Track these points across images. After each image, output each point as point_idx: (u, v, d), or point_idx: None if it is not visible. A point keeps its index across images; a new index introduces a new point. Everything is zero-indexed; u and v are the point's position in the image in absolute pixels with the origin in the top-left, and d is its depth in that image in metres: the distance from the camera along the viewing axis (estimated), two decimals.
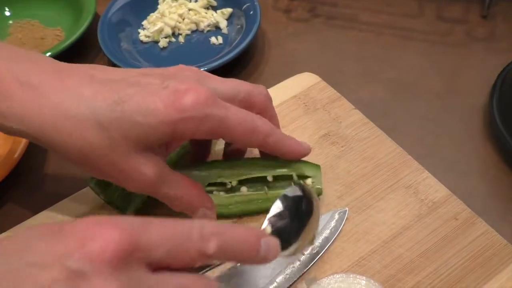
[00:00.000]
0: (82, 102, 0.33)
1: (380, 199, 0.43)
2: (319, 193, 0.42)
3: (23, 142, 0.47)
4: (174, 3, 0.62)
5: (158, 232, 0.27)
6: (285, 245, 0.33)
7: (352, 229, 0.42)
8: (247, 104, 0.39)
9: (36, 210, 0.44)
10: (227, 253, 0.29)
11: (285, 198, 0.35)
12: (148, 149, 0.35)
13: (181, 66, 0.38)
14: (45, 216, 0.44)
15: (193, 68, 0.38)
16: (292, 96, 0.51)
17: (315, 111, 0.50)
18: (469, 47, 0.58)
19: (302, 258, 0.39)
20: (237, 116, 0.36)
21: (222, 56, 0.55)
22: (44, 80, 0.34)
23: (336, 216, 0.42)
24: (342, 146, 0.47)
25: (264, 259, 0.31)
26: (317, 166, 0.43)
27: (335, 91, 0.52)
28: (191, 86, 0.34)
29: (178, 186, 0.37)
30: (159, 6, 0.63)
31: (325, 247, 0.40)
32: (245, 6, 0.60)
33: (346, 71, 0.57)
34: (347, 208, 0.42)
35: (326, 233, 0.41)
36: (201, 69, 0.41)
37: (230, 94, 0.38)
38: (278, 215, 0.35)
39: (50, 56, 0.55)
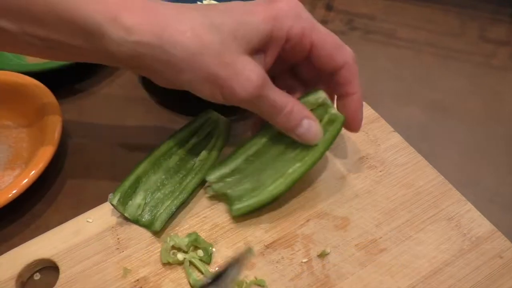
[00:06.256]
0: (196, 10, 0.37)
1: (419, 230, 0.41)
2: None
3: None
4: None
5: None
6: None
7: (390, 261, 0.40)
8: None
9: (53, 224, 0.43)
10: None
11: None
12: (252, 52, 0.38)
13: None
14: (64, 229, 0.42)
15: None
16: None
17: None
18: None
19: None
20: (326, 30, 0.40)
21: None
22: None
23: None
24: (380, 171, 0.45)
25: None
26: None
27: (374, 111, 0.50)
28: None
29: (281, 93, 0.39)
30: None
31: None
32: None
33: (383, 90, 0.55)
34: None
35: None
36: None
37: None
38: None
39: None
